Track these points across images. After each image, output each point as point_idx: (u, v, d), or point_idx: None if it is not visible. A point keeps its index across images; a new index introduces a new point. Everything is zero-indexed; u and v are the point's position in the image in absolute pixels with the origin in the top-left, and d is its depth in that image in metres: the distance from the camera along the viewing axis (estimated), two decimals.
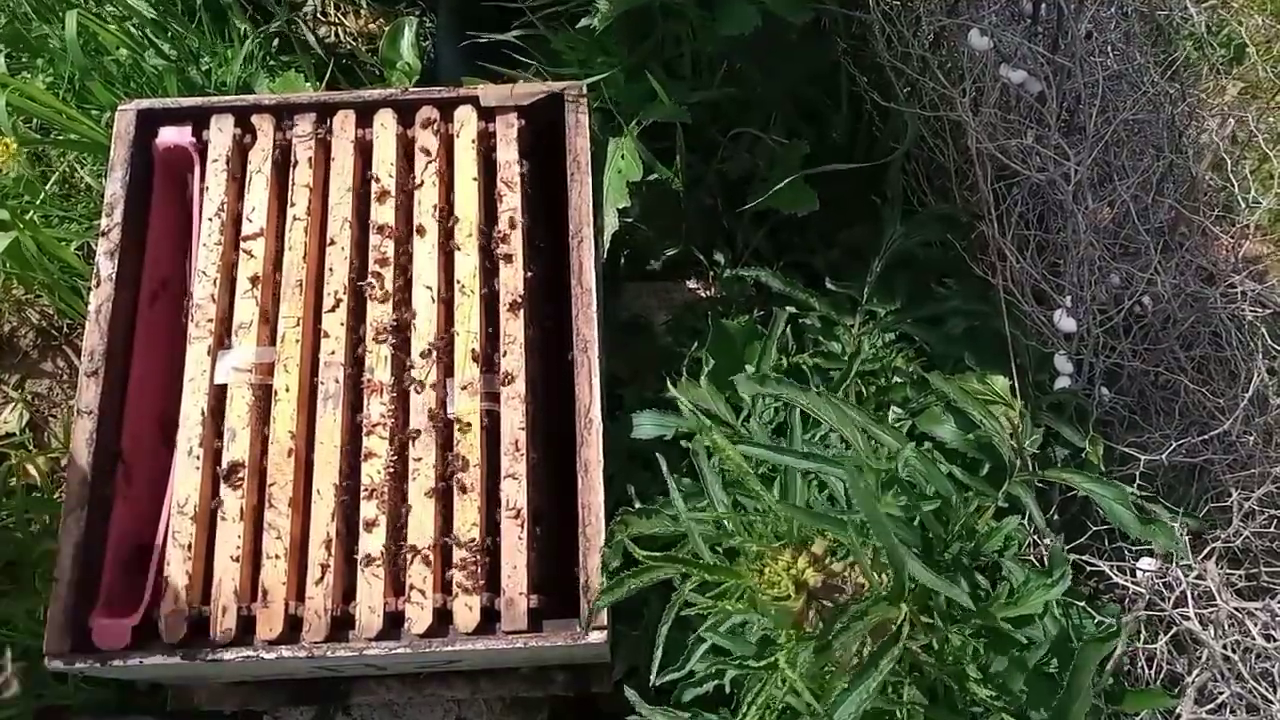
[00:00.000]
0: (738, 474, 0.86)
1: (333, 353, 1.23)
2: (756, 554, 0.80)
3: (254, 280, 1.25)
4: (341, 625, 1.14)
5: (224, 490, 1.17)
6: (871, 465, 0.93)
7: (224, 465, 1.18)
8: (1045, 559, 1.17)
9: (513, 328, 1.24)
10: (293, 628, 1.13)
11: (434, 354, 1.22)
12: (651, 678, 0.89)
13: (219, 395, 1.21)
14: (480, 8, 1.46)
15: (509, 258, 1.27)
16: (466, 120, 1.32)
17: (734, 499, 1.02)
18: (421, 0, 1.89)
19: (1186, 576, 1.06)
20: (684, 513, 0.88)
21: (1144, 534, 0.90)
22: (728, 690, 0.99)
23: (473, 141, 1.31)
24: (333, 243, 1.27)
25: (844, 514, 0.91)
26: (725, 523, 0.97)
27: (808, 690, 0.76)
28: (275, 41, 1.85)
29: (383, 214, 1.28)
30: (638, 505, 1.09)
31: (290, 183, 1.30)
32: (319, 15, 1.95)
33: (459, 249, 1.27)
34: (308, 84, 1.76)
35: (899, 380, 1.27)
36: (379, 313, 1.24)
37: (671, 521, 0.95)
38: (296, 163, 1.31)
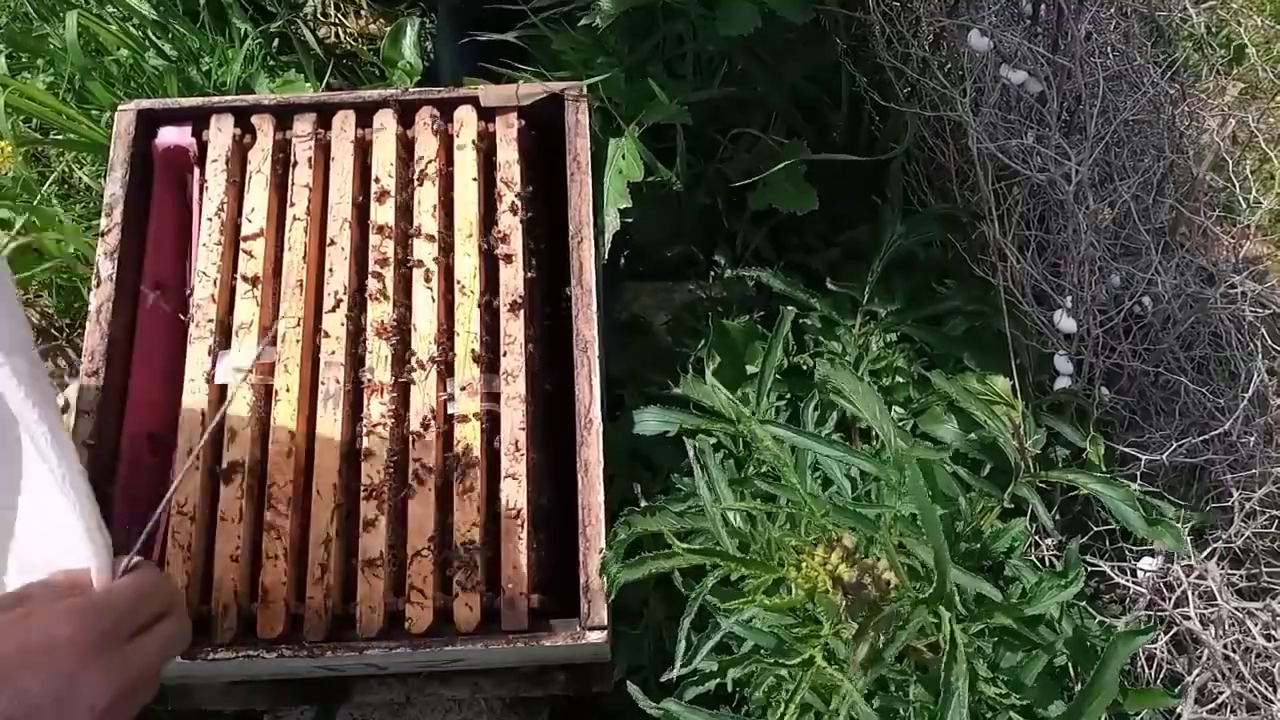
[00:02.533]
0: (776, 464, 0.86)
1: (333, 353, 1.23)
2: (794, 548, 0.80)
3: (254, 280, 1.25)
4: (342, 625, 1.14)
5: (223, 490, 1.17)
6: (908, 461, 0.93)
7: (223, 465, 1.17)
8: (1048, 559, 1.17)
9: (513, 328, 1.24)
10: (293, 627, 1.13)
11: (434, 354, 1.22)
12: (675, 669, 0.89)
13: (219, 395, 1.21)
14: (480, 8, 1.46)
15: (509, 258, 1.27)
16: (466, 120, 1.32)
17: (740, 496, 1.02)
18: (422, 0, 1.89)
19: (1187, 576, 1.07)
20: (709, 503, 0.87)
21: (1151, 535, 0.90)
22: (730, 689, 0.99)
23: (473, 141, 1.31)
24: (333, 243, 1.27)
25: (868, 509, 0.90)
26: (733, 518, 0.97)
27: (856, 691, 0.75)
28: (275, 41, 1.85)
29: (383, 214, 1.28)
30: (643, 504, 1.09)
31: (290, 183, 1.30)
32: (319, 15, 1.95)
33: (459, 249, 1.27)
34: (308, 84, 1.76)
35: (901, 380, 1.27)
36: (379, 313, 1.24)
37: (676, 519, 0.95)
38: (296, 163, 1.31)
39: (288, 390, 1.21)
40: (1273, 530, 1.14)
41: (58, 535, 0.68)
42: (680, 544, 0.84)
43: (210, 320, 1.23)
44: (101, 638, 0.63)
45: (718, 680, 0.98)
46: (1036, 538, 1.18)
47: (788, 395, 1.27)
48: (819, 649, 0.77)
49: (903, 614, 0.76)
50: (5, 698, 0.55)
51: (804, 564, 0.78)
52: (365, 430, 1.19)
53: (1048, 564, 1.15)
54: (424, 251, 1.26)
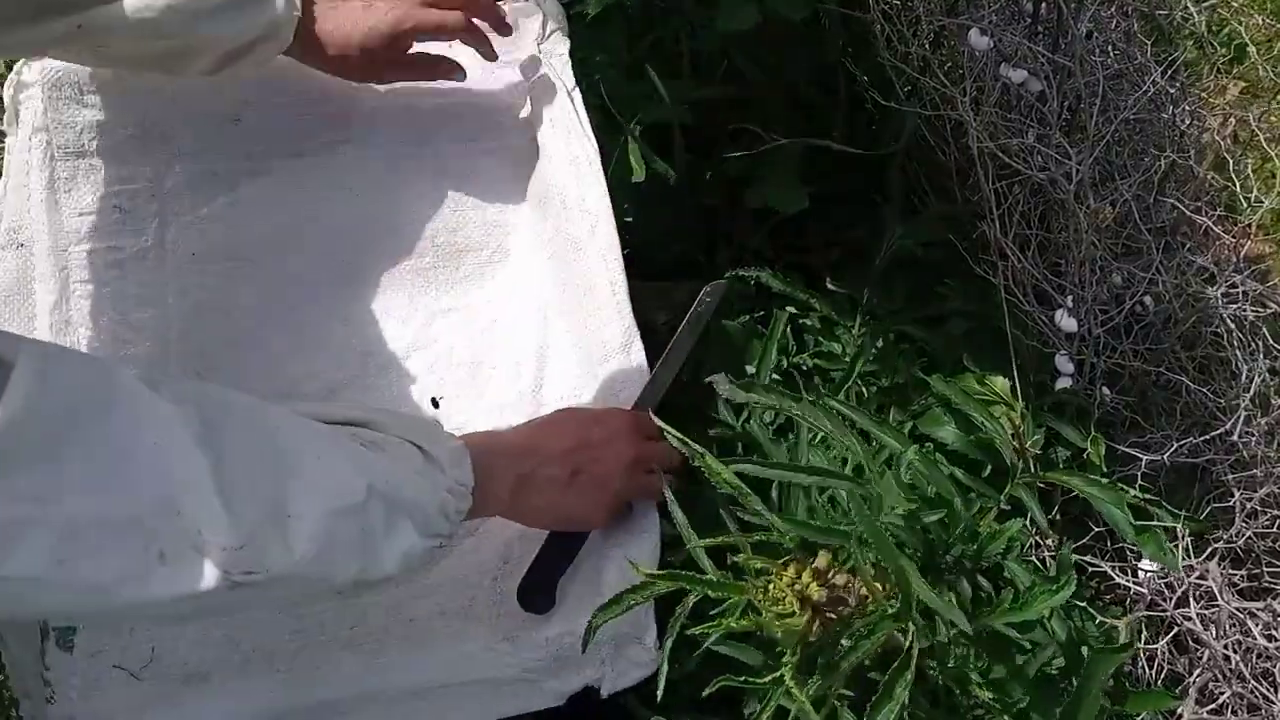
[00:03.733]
0: (735, 492, 0.86)
1: None
2: (760, 570, 0.80)
3: None
4: None
5: None
6: (875, 472, 0.93)
7: None
8: (1048, 560, 1.17)
9: None
10: None
11: None
12: (658, 694, 0.89)
13: None
14: None
15: None
16: None
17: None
18: None
19: (1188, 577, 1.06)
20: (688, 535, 0.87)
21: (1137, 540, 0.90)
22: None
23: None
24: None
25: (846, 524, 0.90)
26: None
27: (809, 707, 0.75)
28: None
29: None
30: None
31: None
32: None
33: None
34: None
35: (900, 381, 1.27)
36: None
37: (674, 525, 0.94)
38: None
39: None
40: (1274, 530, 1.14)
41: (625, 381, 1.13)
42: (645, 572, 0.85)
43: None
44: (633, 431, 1.05)
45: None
46: (1038, 538, 1.18)
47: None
48: (789, 667, 0.77)
49: (869, 629, 0.77)
50: (586, 434, 1.02)
51: (772, 586, 0.78)
52: None
53: (1048, 564, 1.15)
54: None
